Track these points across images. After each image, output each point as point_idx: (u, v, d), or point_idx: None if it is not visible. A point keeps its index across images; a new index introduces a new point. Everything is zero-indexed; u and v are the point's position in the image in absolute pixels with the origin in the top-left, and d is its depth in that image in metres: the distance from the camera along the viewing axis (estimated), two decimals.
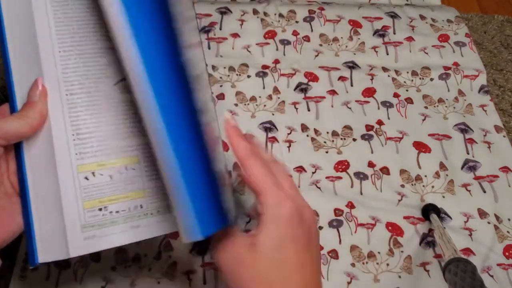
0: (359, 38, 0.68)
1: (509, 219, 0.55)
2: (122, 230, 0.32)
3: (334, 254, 0.50)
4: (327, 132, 0.59)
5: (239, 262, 0.29)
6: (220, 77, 0.62)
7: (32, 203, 0.32)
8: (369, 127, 0.60)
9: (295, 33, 0.68)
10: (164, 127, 0.26)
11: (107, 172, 0.32)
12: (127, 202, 0.33)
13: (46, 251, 0.31)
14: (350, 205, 0.53)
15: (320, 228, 0.52)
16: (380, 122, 0.60)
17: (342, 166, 0.56)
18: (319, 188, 0.54)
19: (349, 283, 0.48)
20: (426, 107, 0.62)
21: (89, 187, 0.32)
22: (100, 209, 0.32)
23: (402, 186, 0.56)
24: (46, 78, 0.32)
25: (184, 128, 0.28)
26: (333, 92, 0.62)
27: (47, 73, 0.32)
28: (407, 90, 0.64)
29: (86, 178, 0.32)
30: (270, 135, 0.58)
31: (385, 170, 0.57)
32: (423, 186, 0.56)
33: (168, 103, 0.27)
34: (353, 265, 0.50)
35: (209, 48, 0.65)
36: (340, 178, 0.55)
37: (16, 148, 0.32)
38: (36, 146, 0.32)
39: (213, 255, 0.31)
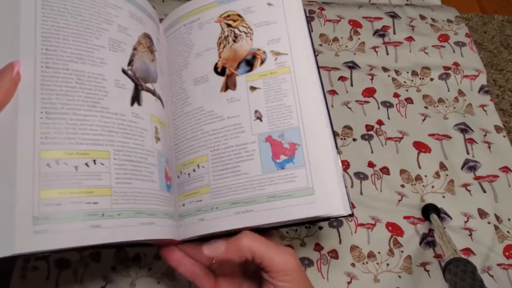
0: (359, 38, 0.68)
1: (509, 219, 0.55)
2: (80, 229, 0.29)
3: (334, 254, 0.50)
4: None
5: None
6: None
7: None
8: (369, 127, 0.60)
9: None
10: None
11: (73, 162, 0.30)
12: (89, 198, 0.30)
13: None
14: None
15: (320, 228, 0.52)
16: (380, 122, 0.60)
17: (342, 166, 0.56)
18: None
19: (349, 283, 0.49)
20: (426, 107, 0.62)
21: (50, 175, 0.29)
22: (59, 203, 0.28)
23: (402, 186, 0.56)
24: (20, 48, 0.30)
25: None
26: (333, 92, 0.62)
27: (22, 44, 0.31)
28: (407, 90, 0.64)
29: (48, 165, 0.29)
30: None
31: (385, 170, 0.57)
32: (423, 186, 0.56)
33: None
34: (353, 265, 0.50)
35: None
36: None
37: None
38: None
39: None
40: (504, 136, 0.61)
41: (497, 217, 0.55)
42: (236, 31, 0.40)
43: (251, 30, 0.40)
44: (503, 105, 0.66)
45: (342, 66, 0.65)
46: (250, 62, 0.39)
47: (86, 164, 0.31)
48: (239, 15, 0.41)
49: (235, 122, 0.37)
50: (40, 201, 0.28)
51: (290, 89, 0.37)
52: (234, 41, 0.40)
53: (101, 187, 0.31)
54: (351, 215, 0.34)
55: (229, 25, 0.41)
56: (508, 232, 0.54)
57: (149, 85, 0.39)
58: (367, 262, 0.50)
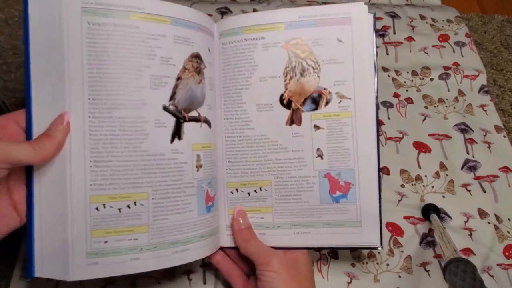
0: None
1: (509, 219, 0.55)
2: (123, 261, 0.34)
3: (334, 254, 0.50)
4: None
5: None
6: None
7: (36, 224, 0.33)
8: None
9: None
10: None
11: (117, 205, 0.34)
12: (130, 235, 0.34)
13: (46, 269, 0.33)
14: None
15: None
16: (380, 122, 0.60)
17: None
18: None
19: (349, 283, 0.48)
20: (426, 107, 0.62)
21: (98, 217, 0.33)
22: (106, 241, 0.33)
23: (402, 186, 0.56)
24: (71, 98, 0.32)
25: None
26: None
27: (73, 94, 0.32)
28: (407, 90, 0.64)
29: (97, 209, 0.33)
30: None
31: (385, 170, 0.57)
32: (423, 186, 0.56)
33: None
34: (353, 265, 0.50)
35: None
36: None
37: (27, 167, 0.33)
38: (50, 170, 0.33)
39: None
40: (504, 136, 0.61)
41: (497, 217, 0.55)
42: (304, 64, 0.40)
43: (318, 66, 0.40)
44: (503, 105, 0.66)
45: None
46: (315, 100, 0.40)
47: (128, 206, 0.34)
48: (308, 46, 0.40)
49: (299, 156, 0.40)
50: (91, 240, 0.33)
51: (350, 133, 0.39)
52: (302, 74, 0.40)
53: (140, 225, 0.35)
54: (381, 246, 0.40)
55: (296, 55, 0.40)
56: (508, 232, 0.54)
57: (193, 113, 0.38)
58: (367, 262, 0.50)
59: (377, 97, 0.40)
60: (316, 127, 0.40)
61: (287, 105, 0.40)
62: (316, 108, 0.40)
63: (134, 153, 0.34)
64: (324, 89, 0.40)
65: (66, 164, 0.32)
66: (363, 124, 0.39)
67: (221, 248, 0.42)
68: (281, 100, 0.40)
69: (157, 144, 0.35)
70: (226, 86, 0.41)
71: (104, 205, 0.33)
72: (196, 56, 0.38)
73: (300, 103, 0.40)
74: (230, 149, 0.41)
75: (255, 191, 0.41)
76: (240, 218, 0.41)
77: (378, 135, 0.40)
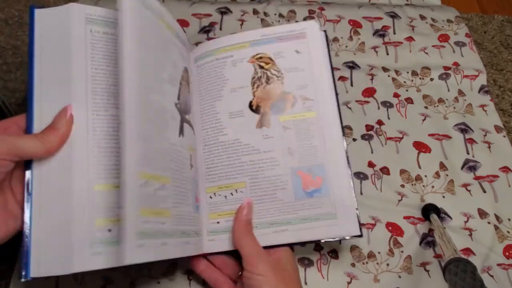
0: (359, 38, 0.68)
1: (509, 219, 0.55)
2: (157, 245, 0.33)
3: (334, 254, 0.50)
4: None
5: None
6: None
7: (34, 218, 0.32)
8: (369, 127, 0.60)
9: None
10: None
11: (153, 185, 0.33)
12: (161, 218, 0.34)
13: (46, 266, 0.32)
14: None
15: None
16: (380, 122, 0.60)
17: None
18: None
19: (349, 283, 0.49)
20: (426, 107, 0.62)
21: (143, 195, 0.32)
22: (148, 221, 0.32)
23: (402, 186, 0.56)
24: (74, 92, 0.33)
25: None
26: None
27: (75, 89, 0.33)
28: (407, 90, 0.64)
29: (140, 186, 0.32)
30: None
31: (385, 170, 0.57)
32: (423, 186, 0.56)
33: None
34: (353, 265, 0.50)
35: None
36: None
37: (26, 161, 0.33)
38: (53, 160, 0.33)
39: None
40: (504, 136, 0.61)
41: (497, 217, 0.55)
42: (269, 73, 0.45)
43: (281, 74, 0.45)
44: (503, 105, 0.66)
45: (342, 66, 0.65)
46: (282, 104, 0.44)
47: (159, 188, 0.34)
48: (271, 58, 0.45)
49: (271, 156, 0.42)
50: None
51: (316, 131, 0.43)
52: (267, 82, 0.45)
53: (166, 209, 0.35)
54: (361, 235, 0.41)
55: (261, 67, 0.45)
56: (508, 232, 0.54)
57: (187, 116, 0.42)
58: (367, 262, 0.50)
59: (337, 94, 0.44)
60: (285, 128, 0.43)
61: (256, 110, 0.44)
62: (283, 111, 0.44)
63: (162, 136, 0.36)
64: (289, 93, 0.44)
65: (124, 138, 0.31)
66: (327, 121, 0.43)
67: (204, 257, 0.42)
68: (251, 106, 0.44)
69: (173, 134, 0.38)
70: (202, 100, 0.45)
71: (146, 183, 0.32)
72: (186, 70, 0.43)
73: (268, 107, 0.44)
74: (208, 156, 0.43)
75: (231, 193, 0.42)
76: (245, 209, 0.41)
77: (343, 131, 0.43)
